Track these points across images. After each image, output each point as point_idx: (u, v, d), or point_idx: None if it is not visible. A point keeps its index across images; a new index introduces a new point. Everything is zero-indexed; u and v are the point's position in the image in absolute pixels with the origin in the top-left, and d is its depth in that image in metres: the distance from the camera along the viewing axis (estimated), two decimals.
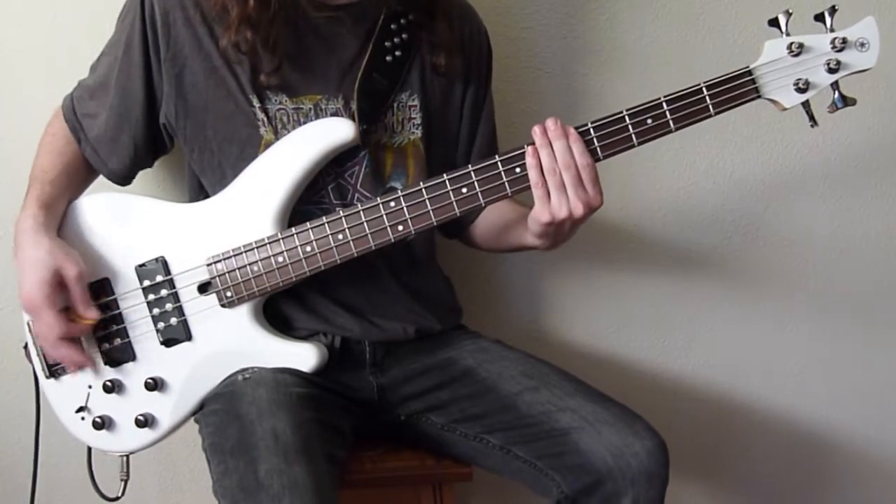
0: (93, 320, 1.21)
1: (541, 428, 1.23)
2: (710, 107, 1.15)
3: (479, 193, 1.18)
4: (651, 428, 1.20)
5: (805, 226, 1.81)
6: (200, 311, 1.24)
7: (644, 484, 1.16)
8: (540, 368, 1.32)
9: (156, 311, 1.25)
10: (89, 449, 1.34)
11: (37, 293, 1.16)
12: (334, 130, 1.24)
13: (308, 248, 1.21)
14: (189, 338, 1.25)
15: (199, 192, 1.34)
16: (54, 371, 1.27)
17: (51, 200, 1.24)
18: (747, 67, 1.16)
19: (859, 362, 1.89)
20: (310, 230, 1.21)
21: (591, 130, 1.16)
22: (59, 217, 1.25)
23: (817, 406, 1.90)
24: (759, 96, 1.17)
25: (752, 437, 1.90)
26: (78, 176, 1.32)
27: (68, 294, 1.19)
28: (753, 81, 1.16)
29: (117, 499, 1.34)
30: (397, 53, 1.30)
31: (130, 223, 1.26)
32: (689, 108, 1.15)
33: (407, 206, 1.19)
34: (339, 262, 1.21)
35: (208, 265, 1.23)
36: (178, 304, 1.24)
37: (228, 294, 1.23)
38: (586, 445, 1.18)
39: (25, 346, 1.30)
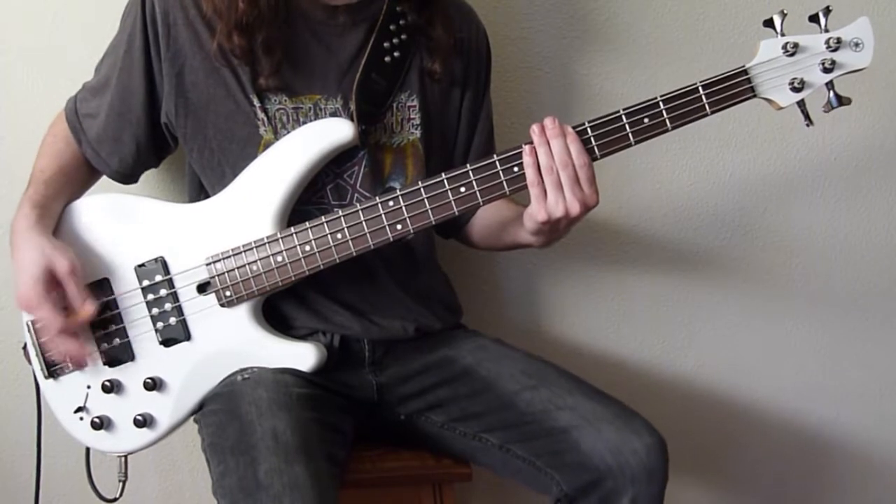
0: (88, 314, 1.20)
1: (540, 426, 1.23)
2: (706, 106, 1.16)
3: (478, 193, 1.18)
4: (650, 425, 1.20)
5: (805, 226, 1.81)
6: (199, 310, 1.24)
7: (644, 481, 1.16)
8: (539, 367, 1.32)
9: (155, 310, 1.25)
10: (88, 450, 1.35)
11: (31, 291, 1.16)
12: (334, 131, 1.24)
13: (307, 248, 1.21)
14: (188, 338, 1.25)
15: (199, 191, 1.34)
16: (53, 371, 1.27)
17: (46, 201, 1.24)
18: (743, 67, 1.17)
19: (859, 362, 1.89)
20: (309, 230, 1.21)
21: (589, 129, 1.16)
22: (55, 217, 1.25)
23: (817, 405, 1.90)
24: (754, 95, 1.17)
25: (752, 437, 1.90)
26: (76, 177, 1.32)
27: (63, 290, 1.19)
28: (749, 81, 1.17)
29: (115, 500, 1.34)
30: (396, 54, 1.30)
31: (130, 223, 1.27)
32: (685, 107, 1.16)
33: (405, 206, 1.20)
34: (338, 261, 1.22)
35: (207, 265, 1.23)
36: (177, 304, 1.24)
37: (227, 294, 1.23)
38: (586, 444, 1.18)
39: (24, 347, 1.30)
